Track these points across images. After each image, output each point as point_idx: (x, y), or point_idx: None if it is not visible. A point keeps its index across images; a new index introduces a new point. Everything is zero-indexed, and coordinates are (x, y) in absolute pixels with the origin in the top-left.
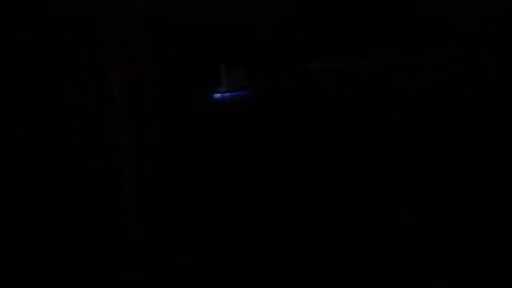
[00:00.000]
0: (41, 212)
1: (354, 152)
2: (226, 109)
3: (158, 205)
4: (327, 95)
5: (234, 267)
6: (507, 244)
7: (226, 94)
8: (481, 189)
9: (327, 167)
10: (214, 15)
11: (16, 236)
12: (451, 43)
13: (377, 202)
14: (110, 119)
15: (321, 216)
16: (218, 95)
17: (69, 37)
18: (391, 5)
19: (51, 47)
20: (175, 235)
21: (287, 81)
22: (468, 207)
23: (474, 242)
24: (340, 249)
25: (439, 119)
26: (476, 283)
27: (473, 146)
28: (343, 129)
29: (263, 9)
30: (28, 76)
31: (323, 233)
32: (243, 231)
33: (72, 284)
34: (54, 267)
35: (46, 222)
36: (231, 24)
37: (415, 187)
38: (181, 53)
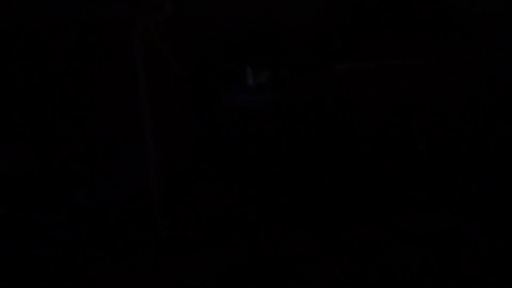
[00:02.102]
0: (71, 212)
1: (383, 154)
2: (253, 110)
3: (186, 208)
4: (354, 96)
5: (258, 270)
6: None
7: (253, 95)
8: None
9: (355, 169)
10: (240, 17)
11: (46, 234)
12: (482, 42)
13: (407, 205)
14: (138, 120)
15: (348, 219)
16: (244, 96)
17: (101, 40)
18: (419, 4)
19: (84, 49)
20: (203, 237)
21: (313, 82)
22: (501, 211)
23: (506, 247)
24: (367, 251)
25: (473, 121)
26: None
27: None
28: (371, 131)
29: (290, 11)
30: (60, 75)
31: (350, 236)
32: (269, 233)
33: (101, 284)
34: (82, 266)
35: (77, 223)
36: (257, 26)
37: (447, 190)
38: (207, 54)
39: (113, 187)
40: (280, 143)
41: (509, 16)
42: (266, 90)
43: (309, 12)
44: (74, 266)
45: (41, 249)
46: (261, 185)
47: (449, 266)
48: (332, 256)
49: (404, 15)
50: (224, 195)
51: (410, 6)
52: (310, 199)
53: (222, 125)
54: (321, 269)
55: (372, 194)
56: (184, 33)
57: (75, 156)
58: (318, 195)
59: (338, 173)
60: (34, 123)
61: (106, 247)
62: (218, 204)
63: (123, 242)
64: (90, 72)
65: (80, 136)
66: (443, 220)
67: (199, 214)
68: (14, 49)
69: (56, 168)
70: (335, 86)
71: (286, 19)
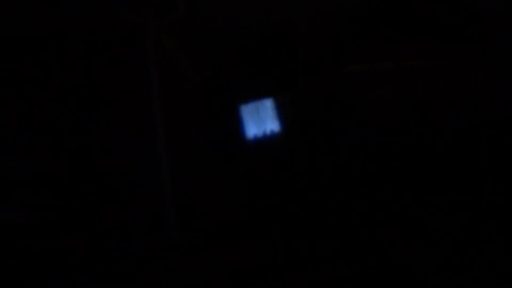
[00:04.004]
0: (88, 217)
1: (394, 155)
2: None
3: (197, 212)
4: (367, 98)
5: (266, 271)
6: None
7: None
8: None
9: (365, 170)
10: (252, 19)
11: (66, 240)
12: (497, 43)
13: (422, 206)
14: (150, 123)
15: (356, 219)
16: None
17: (113, 44)
18: (434, 5)
19: (97, 52)
20: (213, 240)
21: (325, 83)
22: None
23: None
24: (374, 251)
25: (487, 124)
26: None
27: None
28: (385, 135)
29: (302, 12)
30: (72, 77)
31: (358, 236)
32: (276, 235)
33: (121, 282)
34: (96, 268)
35: (92, 227)
36: (270, 28)
37: (462, 191)
38: (220, 57)
39: (127, 191)
40: (292, 145)
41: None
42: (279, 93)
43: (321, 13)
44: (89, 267)
45: (56, 251)
46: (270, 186)
47: (455, 265)
48: (340, 256)
49: (418, 16)
50: (234, 198)
51: (424, 7)
52: (318, 198)
53: (234, 127)
54: (329, 269)
55: (380, 194)
56: (197, 36)
57: (89, 158)
58: (325, 195)
59: (348, 173)
60: (46, 128)
61: (122, 250)
62: (229, 208)
63: (139, 246)
64: (102, 74)
65: (91, 139)
66: (450, 219)
67: (210, 217)
68: (27, 53)
69: (66, 171)
70: (347, 87)
71: (297, 20)
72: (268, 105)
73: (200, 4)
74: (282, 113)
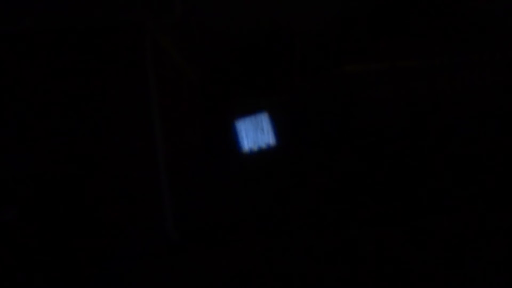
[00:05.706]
0: (87, 218)
1: (392, 154)
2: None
3: (194, 213)
4: (364, 97)
5: (264, 270)
6: None
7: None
8: None
9: (364, 170)
10: (251, 20)
11: (66, 240)
12: (494, 42)
13: (416, 204)
14: (149, 125)
15: (358, 218)
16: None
17: (112, 44)
18: (430, 6)
19: (95, 53)
20: (209, 239)
21: (323, 83)
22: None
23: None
24: (375, 250)
25: (486, 124)
26: None
27: None
28: (384, 134)
29: (301, 12)
30: (71, 77)
31: (360, 235)
32: (274, 234)
33: (119, 283)
34: (97, 268)
35: (91, 228)
36: (268, 29)
37: (461, 191)
38: (218, 58)
39: (126, 192)
40: (290, 143)
41: None
42: (277, 94)
43: (319, 14)
44: (87, 267)
45: (55, 250)
46: (269, 185)
47: (456, 264)
48: (341, 255)
49: (415, 16)
50: (232, 198)
51: (420, 7)
52: (320, 200)
53: (231, 129)
54: (330, 267)
55: (381, 194)
56: (195, 36)
57: (88, 159)
58: (329, 195)
59: (347, 173)
60: (45, 128)
61: (120, 250)
62: (226, 207)
63: (138, 246)
64: (101, 74)
65: (90, 138)
66: (451, 220)
67: (207, 217)
68: (27, 53)
69: (66, 172)
70: (345, 87)
71: (296, 21)
72: (264, 119)
73: (198, 5)
74: (278, 124)
